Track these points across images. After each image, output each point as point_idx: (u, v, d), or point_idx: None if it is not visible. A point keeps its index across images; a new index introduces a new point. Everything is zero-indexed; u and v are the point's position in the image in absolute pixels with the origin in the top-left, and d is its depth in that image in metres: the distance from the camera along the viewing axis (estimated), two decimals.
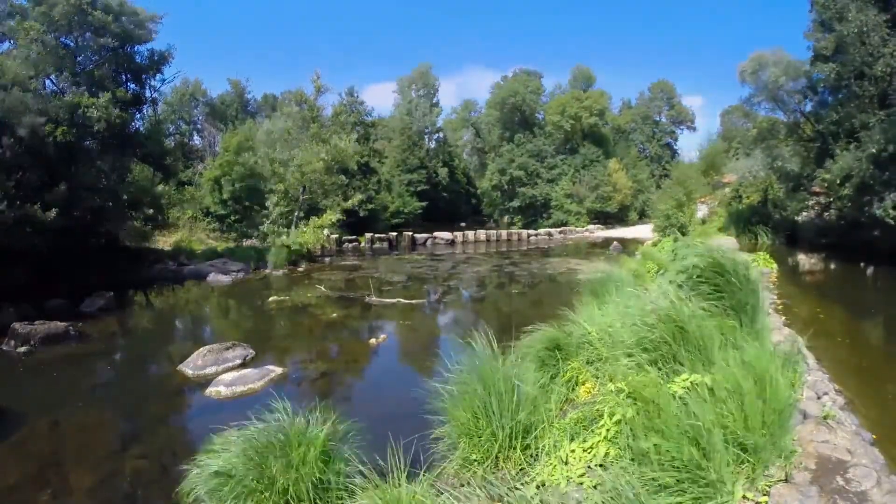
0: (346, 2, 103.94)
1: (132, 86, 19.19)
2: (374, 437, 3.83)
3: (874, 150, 14.29)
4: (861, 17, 15.50)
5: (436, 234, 29.71)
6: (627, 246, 24.37)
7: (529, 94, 45.37)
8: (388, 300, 13.18)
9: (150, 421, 6.63)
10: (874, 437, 3.39)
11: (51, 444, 5.91)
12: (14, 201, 12.45)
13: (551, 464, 3.36)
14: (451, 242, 29.18)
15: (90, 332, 11.01)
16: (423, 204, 44.53)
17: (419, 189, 44.94)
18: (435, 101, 51.43)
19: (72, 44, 16.94)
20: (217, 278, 17.80)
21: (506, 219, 45.79)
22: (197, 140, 42.00)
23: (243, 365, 8.08)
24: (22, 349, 9.57)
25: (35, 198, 13.05)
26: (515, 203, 44.65)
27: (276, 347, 9.63)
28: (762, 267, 11.33)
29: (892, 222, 13.95)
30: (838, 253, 16.31)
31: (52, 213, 12.94)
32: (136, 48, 18.74)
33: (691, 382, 3.47)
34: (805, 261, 15.58)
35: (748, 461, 2.87)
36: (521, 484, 3.20)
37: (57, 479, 5.03)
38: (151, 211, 20.60)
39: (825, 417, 3.35)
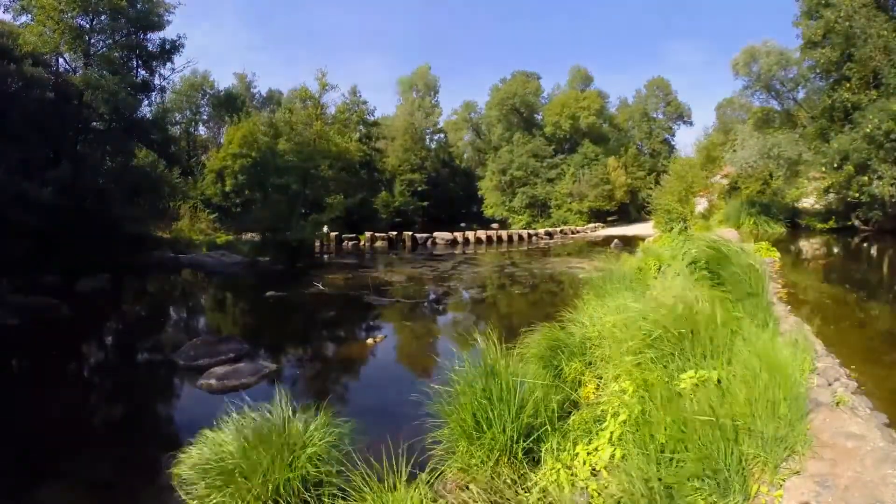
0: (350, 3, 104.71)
1: (142, 72, 19.61)
2: (370, 437, 3.75)
3: (868, 130, 14.34)
4: (846, 1, 15.61)
5: (436, 233, 29.62)
6: (629, 243, 24.27)
7: (528, 94, 45.66)
8: (387, 299, 13.08)
9: (137, 408, 6.57)
10: (889, 418, 3.27)
11: (33, 423, 5.83)
12: (16, 174, 12.42)
13: (555, 467, 3.25)
14: (452, 242, 29.09)
15: (83, 313, 10.99)
16: (424, 204, 44.64)
17: (420, 189, 45.06)
18: (435, 101, 51.91)
19: (86, 24, 17.19)
20: (215, 269, 17.79)
21: (507, 219, 45.82)
22: (202, 131, 42.49)
23: (236, 359, 7.95)
24: (13, 321, 9.53)
25: (38, 173, 13.05)
26: (516, 203, 44.72)
27: (271, 343, 9.51)
28: (765, 256, 11.21)
29: (890, 199, 13.95)
30: (841, 235, 16.23)
31: (51, 189, 12.90)
32: (148, 35, 19.08)
33: (699, 378, 3.37)
34: (808, 247, 15.45)
35: (761, 455, 2.76)
36: (524, 488, 3.10)
37: (38, 460, 4.95)
38: (153, 197, 20.68)
39: (837, 403, 3.24)
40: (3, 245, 12.10)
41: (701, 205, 26.60)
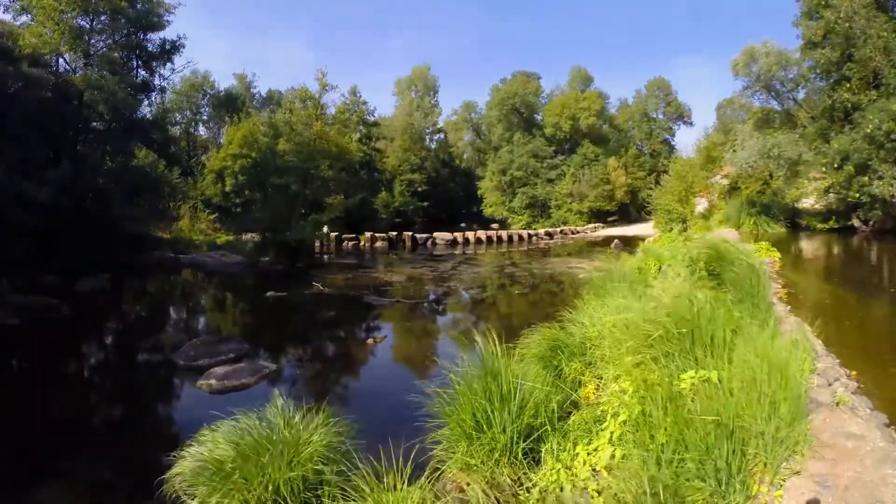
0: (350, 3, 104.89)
1: (142, 72, 19.74)
2: (370, 438, 3.75)
3: (868, 130, 14.35)
4: (846, 2, 15.63)
5: (436, 234, 29.66)
6: (629, 243, 24.27)
7: (528, 95, 45.70)
8: (386, 300, 13.09)
9: (137, 408, 6.59)
10: (889, 418, 3.26)
11: (33, 423, 5.84)
12: (16, 174, 12.44)
13: (555, 468, 3.25)
14: (452, 242, 29.12)
15: (83, 313, 11.05)
16: (424, 204, 44.72)
17: (420, 189, 45.13)
18: (434, 101, 51.95)
19: (86, 25, 17.25)
20: (215, 269, 17.84)
21: (507, 219, 45.82)
22: (202, 131, 42.64)
23: (236, 359, 7.96)
24: (13, 321, 9.57)
25: (38, 173, 13.09)
26: (516, 203, 44.76)
27: (271, 343, 9.53)
28: (765, 256, 11.20)
29: (890, 199, 13.97)
30: (841, 235, 16.23)
31: (50, 189, 12.94)
32: (148, 35, 19.17)
33: (699, 378, 3.37)
34: (808, 247, 15.44)
35: (761, 455, 2.76)
36: (524, 489, 3.10)
37: (38, 460, 4.96)
38: (153, 197, 20.75)
39: (837, 404, 3.24)
40: (3, 245, 12.12)
41: (701, 205, 26.60)
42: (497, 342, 4.06)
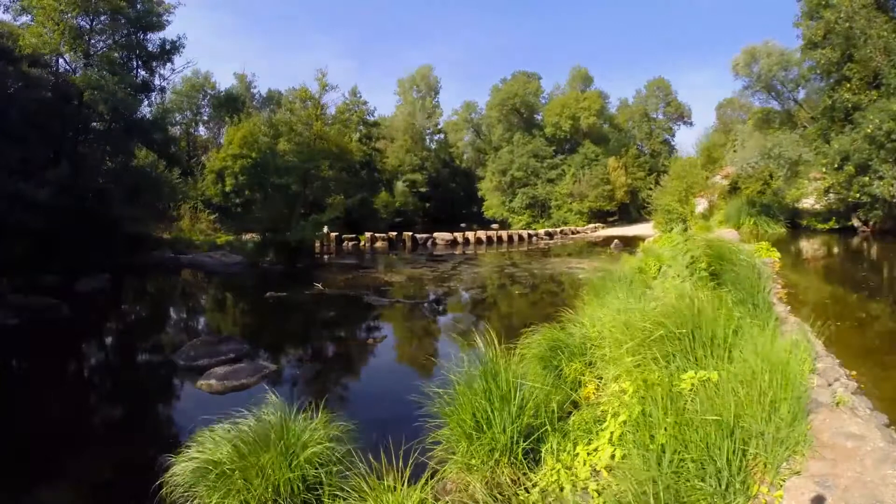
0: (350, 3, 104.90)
1: (142, 72, 19.76)
2: (370, 438, 3.75)
3: (869, 130, 14.35)
4: (846, 2, 15.65)
5: (436, 234, 29.66)
6: (629, 244, 24.27)
7: (529, 95, 45.72)
8: (387, 300, 13.09)
9: (137, 409, 6.58)
10: (889, 418, 3.26)
11: (33, 423, 5.83)
12: (16, 174, 12.44)
13: (555, 468, 3.25)
14: (452, 243, 29.12)
15: (83, 313, 11.06)
16: (424, 204, 44.76)
17: (420, 189, 45.16)
18: (436, 102, 51.98)
19: (86, 25, 17.28)
20: (215, 270, 17.85)
21: (507, 219, 45.84)
22: (203, 131, 42.66)
23: (236, 359, 7.93)
24: (13, 321, 9.59)
25: (38, 173, 13.10)
26: (516, 203, 44.76)
27: (272, 343, 9.53)
28: (765, 256, 11.20)
29: (891, 199, 13.97)
30: (841, 236, 16.24)
31: (50, 189, 12.95)
32: (148, 35, 19.20)
33: (699, 378, 3.37)
34: (808, 247, 15.43)
35: (762, 455, 2.76)
36: (524, 489, 3.10)
37: (38, 460, 4.94)
38: (153, 197, 20.79)
39: (837, 404, 3.24)
40: (3, 245, 12.11)
41: (701, 205, 26.60)
42: (497, 342, 4.06)
